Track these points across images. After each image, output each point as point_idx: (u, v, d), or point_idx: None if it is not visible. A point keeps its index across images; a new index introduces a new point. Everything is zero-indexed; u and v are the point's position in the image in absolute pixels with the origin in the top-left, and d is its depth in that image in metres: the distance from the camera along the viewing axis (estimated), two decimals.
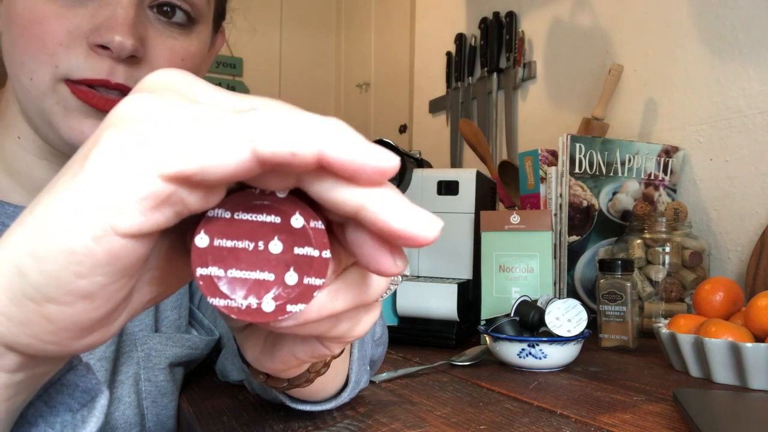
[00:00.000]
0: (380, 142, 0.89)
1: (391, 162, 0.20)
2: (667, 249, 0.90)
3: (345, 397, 0.49)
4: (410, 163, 0.91)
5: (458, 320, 0.80)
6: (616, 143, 1.04)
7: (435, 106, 1.96)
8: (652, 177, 1.07)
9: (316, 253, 0.22)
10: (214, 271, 0.22)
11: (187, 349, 0.59)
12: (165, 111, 0.20)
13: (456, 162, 1.81)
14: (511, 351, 0.68)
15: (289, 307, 0.22)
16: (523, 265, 0.80)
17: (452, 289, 0.80)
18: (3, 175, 0.51)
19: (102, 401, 0.27)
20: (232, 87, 2.73)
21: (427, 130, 2.02)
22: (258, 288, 0.22)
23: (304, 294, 0.22)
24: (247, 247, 0.22)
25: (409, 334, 0.83)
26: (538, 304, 0.72)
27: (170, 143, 0.19)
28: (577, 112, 1.35)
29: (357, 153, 0.20)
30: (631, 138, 1.17)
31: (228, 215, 0.22)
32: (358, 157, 0.20)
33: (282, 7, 2.95)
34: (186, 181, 0.20)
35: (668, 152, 1.08)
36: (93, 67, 0.44)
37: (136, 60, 0.46)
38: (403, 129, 2.33)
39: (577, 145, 1.00)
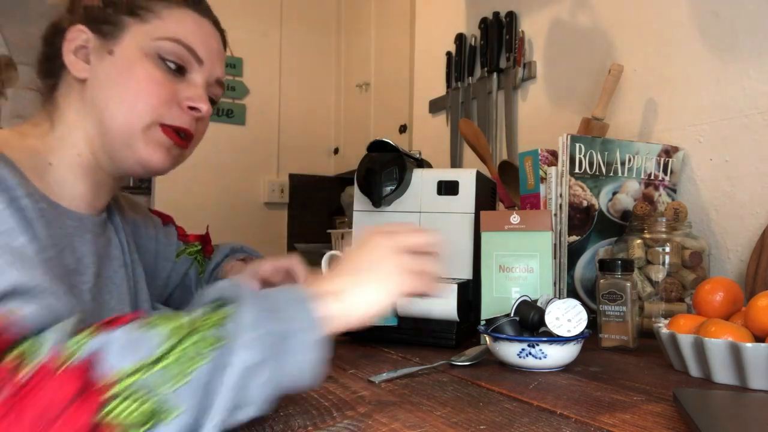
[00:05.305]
0: (380, 142, 0.89)
1: None
2: (667, 249, 0.90)
3: None
4: (410, 163, 0.91)
5: (458, 320, 0.80)
6: (616, 143, 1.04)
7: (435, 106, 1.96)
8: (652, 177, 1.07)
9: None
10: None
11: None
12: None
13: (456, 162, 1.80)
14: (511, 351, 0.68)
15: None
16: (523, 265, 0.80)
17: (452, 289, 0.80)
18: (56, 183, 0.63)
19: None
20: (232, 87, 2.73)
21: (427, 130, 2.02)
22: None
23: None
24: None
25: (409, 334, 0.83)
26: (538, 304, 0.72)
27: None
28: (577, 112, 1.35)
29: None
30: (631, 138, 1.17)
31: None
32: None
33: (282, 7, 2.95)
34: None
35: (668, 152, 1.08)
36: (183, 120, 0.66)
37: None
38: (403, 129, 2.32)
39: (577, 145, 1.00)
